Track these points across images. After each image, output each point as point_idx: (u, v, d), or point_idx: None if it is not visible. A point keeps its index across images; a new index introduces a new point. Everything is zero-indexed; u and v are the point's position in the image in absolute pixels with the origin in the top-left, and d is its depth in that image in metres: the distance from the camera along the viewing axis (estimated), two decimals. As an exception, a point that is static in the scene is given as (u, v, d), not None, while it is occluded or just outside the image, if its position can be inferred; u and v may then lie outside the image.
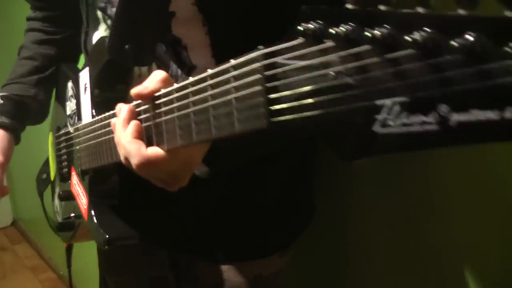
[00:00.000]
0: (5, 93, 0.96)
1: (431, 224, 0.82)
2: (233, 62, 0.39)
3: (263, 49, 0.36)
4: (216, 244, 0.87)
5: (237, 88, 0.38)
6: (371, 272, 0.98)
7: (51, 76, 1.01)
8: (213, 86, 0.42)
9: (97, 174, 0.85)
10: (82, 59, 1.00)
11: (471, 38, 0.25)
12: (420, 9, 0.29)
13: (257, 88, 0.36)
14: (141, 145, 0.54)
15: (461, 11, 0.27)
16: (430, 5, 0.29)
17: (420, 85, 0.27)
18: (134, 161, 0.54)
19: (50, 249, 2.64)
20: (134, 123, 0.56)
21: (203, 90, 0.43)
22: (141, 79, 0.74)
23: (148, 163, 0.54)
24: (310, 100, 0.33)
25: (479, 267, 0.76)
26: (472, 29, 0.25)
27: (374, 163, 0.86)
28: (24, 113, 0.97)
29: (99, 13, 0.83)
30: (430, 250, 0.83)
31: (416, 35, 0.27)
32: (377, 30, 0.29)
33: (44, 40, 1.02)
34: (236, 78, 0.38)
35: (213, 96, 0.41)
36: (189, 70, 0.73)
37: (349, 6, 0.32)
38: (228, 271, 0.86)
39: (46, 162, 1.17)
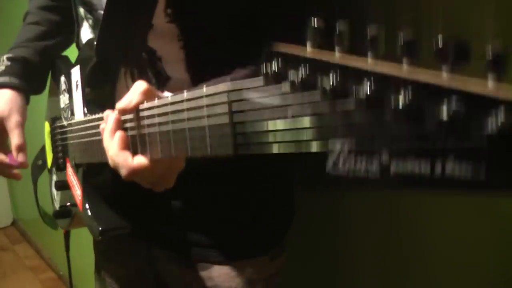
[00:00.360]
0: (12, 55, 0.98)
1: (425, 223, 0.83)
2: (205, 90, 0.41)
3: (229, 81, 0.38)
4: (196, 244, 0.87)
5: (209, 116, 0.41)
6: (366, 274, 1.00)
7: (56, 47, 1.03)
8: (188, 110, 0.44)
9: (90, 167, 0.88)
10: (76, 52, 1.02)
11: (409, 97, 0.27)
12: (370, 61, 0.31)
13: (225, 119, 0.38)
14: (127, 157, 0.57)
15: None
16: (378, 55, 0.31)
17: (365, 134, 0.30)
18: (123, 172, 0.58)
19: (50, 249, 2.65)
20: (118, 134, 0.59)
21: (180, 111, 0.46)
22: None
23: (134, 173, 0.57)
24: (272, 138, 0.35)
25: (474, 268, 0.77)
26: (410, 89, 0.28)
27: None
28: (31, 76, 0.99)
29: (81, 10, 0.85)
30: (425, 251, 0.84)
31: (363, 87, 0.30)
32: (329, 78, 0.31)
33: (49, 6, 1.04)
34: (208, 106, 0.41)
35: (189, 119, 0.44)
36: (165, 80, 0.75)
37: (308, 49, 0.34)
38: (213, 272, 0.87)
39: (43, 149, 1.20)
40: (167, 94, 0.64)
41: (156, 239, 0.93)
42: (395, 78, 0.28)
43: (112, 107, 0.74)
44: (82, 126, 0.80)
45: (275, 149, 0.35)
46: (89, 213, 0.86)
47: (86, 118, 0.79)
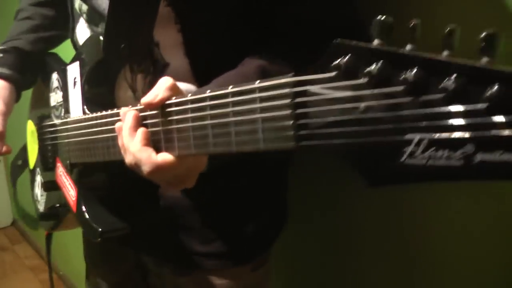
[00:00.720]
0: (3, 47, 0.95)
1: (424, 223, 0.84)
2: (260, 84, 0.41)
3: (293, 76, 0.38)
4: (180, 252, 0.87)
5: (263, 109, 0.40)
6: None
7: (49, 40, 1.00)
8: (235, 104, 0.44)
9: (86, 168, 0.85)
10: (66, 49, 0.99)
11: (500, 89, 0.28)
12: (445, 53, 0.32)
13: (286, 112, 0.38)
14: (151, 152, 0.56)
15: (485, 59, 0.31)
16: (453, 49, 0.33)
17: (448, 126, 0.31)
18: (146, 168, 0.56)
19: (50, 249, 2.59)
20: (141, 130, 0.58)
21: (224, 105, 0.45)
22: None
23: (158, 169, 0.55)
24: (338, 129, 0.36)
25: (471, 267, 0.79)
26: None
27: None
28: (24, 66, 0.96)
29: (77, 5, 0.82)
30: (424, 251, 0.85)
31: (447, 81, 0.30)
32: (409, 73, 0.32)
33: (42, 1, 1.01)
34: (263, 99, 0.41)
35: (236, 113, 0.44)
36: (162, 67, 0.73)
37: (376, 43, 0.35)
38: (195, 281, 0.87)
39: (23, 149, 1.16)
40: (184, 86, 0.63)
41: (145, 244, 0.92)
42: (482, 70, 0.29)
43: (112, 106, 0.72)
44: (83, 124, 0.78)
45: (341, 140, 0.35)
46: (87, 215, 0.83)
47: (87, 116, 0.76)
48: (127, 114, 0.60)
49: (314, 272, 1.09)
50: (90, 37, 0.78)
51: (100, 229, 0.80)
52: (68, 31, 0.96)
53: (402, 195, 0.85)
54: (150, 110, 0.57)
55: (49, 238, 1.12)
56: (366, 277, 0.98)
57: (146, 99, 0.56)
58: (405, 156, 0.33)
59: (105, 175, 0.87)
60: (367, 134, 0.34)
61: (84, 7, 0.80)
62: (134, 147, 0.57)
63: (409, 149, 0.33)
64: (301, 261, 1.12)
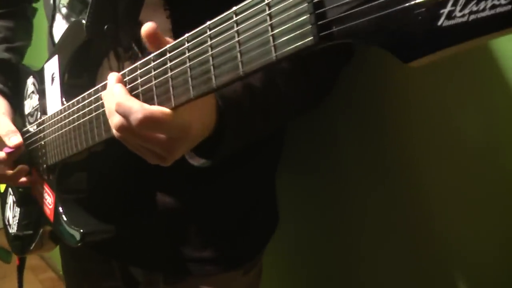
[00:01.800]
0: None
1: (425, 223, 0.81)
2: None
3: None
4: (170, 259, 0.82)
5: (274, 15, 0.37)
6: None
7: (19, 50, 0.97)
8: (239, 22, 0.41)
9: (65, 167, 0.79)
10: (36, 52, 0.95)
11: None
12: None
13: (302, 6, 0.35)
14: (142, 102, 0.51)
15: None
16: None
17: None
18: (137, 116, 0.50)
19: (49, 250, 2.48)
20: (121, 85, 0.54)
21: (227, 29, 0.42)
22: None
23: (152, 120, 0.50)
24: (360, 8, 0.33)
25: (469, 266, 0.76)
26: None
27: (360, 163, 0.87)
28: (5, 75, 0.92)
29: (51, 2, 0.80)
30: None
31: None
32: None
33: (1, 14, 0.98)
34: (271, 5, 0.37)
35: (243, 31, 0.40)
36: (149, 53, 0.71)
37: None
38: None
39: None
40: None
41: (133, 254, 0.84)
42: None
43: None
44: (62, 115, 0.73)
45: (365, 18, 0.32)
46: (65, 218, 0.77)
47: (66, 105, 0.71)
48: (110, 77, 0.56)
49: (305, 271, 1.05)
50: (69, 25, 0.74)
51: (81, 230, 0.73)
52: (29, 41, 0.97)
53: (396, 195, 0.83)
54: (128, 72, 0.54)
55: (21, 268, 1.02)
56: (355, 276, 0.94)
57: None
58: (442, 19, 0.30)
59: (86, 176, 0.80)
60: (395, 2, 0.31)
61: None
62: (121, 98, 0.52)
63: (446, 10, 0.30)
64: (291, 260, 1.08)
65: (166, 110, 0.50)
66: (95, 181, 0.81)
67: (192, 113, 0.53)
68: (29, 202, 0.89)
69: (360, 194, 0.88)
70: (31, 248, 0.93)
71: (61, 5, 0.78)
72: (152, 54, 0.52)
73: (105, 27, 0.67)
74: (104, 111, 0.58)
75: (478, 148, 0.69)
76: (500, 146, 0.67)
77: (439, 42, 0.30)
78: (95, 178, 0.81)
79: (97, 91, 0.61)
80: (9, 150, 0.81)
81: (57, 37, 0.80)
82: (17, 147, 0.81)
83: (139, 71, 0.54)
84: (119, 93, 0.53)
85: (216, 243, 0.82)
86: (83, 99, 0.65)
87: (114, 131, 0.56)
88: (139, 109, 0.50)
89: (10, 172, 0.84)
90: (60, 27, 0.79)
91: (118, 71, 0.68)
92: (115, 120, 0.54)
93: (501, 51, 0.63)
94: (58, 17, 0.80)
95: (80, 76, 0.75)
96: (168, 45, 0.49)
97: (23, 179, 0.85)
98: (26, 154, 0.86)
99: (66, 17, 0.78)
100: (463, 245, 0.75)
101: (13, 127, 0.83)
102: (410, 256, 0.82)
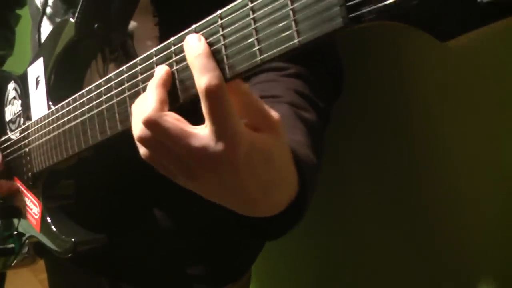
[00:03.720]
0: None
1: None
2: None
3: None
4: (160, 277, 0.79)
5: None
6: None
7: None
8: (255, 9, 0.38)
9: (51, 175, 0.75)
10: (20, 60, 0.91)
11: None
12: None
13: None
14: None
15: None
16: None
17: None
18: (208, 85, 0.39)
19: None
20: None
21: (242, 17, 0.40)
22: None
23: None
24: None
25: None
26: None
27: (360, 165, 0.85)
28: None
29: (38, 4, 0.77)
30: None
31: None
32: None
33: None
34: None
35: (260, 18, 0.38)
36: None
37: None
38: None
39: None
40: None
41: (124, 271, 0.81)
42: None
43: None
44: (50, 119, 0.68)
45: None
46: (54, 228, 0.73)
47: (55, 108, 0.67)
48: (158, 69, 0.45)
49: (299, 273, 1.05)
50: (55, 25, 0.71)
51: (73, 239, 0.69)
52: (11, 50, 0.96)
53: (395, 197, 0.82)
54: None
55: (1, 281, 0.96)
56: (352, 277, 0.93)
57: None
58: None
59: (73, 185, 0.76)
60: None
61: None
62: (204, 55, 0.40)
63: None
64: (282, 261, 1.07)
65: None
66: (82, 191, 0.77)
67: (259, 140, 0.41)
68: (10, 213, 0.85)
69: (358, 195, 0.87)
70: (13, 263, 0.88)
71: (47, 6, 0.75)
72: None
73: (95, 25, 0.64)
74: (100, 111, 0.55)
75: (480, 148, 0.69)
76: (502, 146, 0.67)
77: (479, 19, 0.29)
78: (82, 188, 0.77)
79: (90, 91, 0.58)
80: None
81: (43, 39, 0.77)
82: None
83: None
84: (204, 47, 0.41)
85: (206, 260, 0.79)
86: (74, 100, 0.62)
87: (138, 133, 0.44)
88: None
89: None
90: (45, 28, 0.75)
91: (104, 73, 0.65)
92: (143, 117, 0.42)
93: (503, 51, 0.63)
94: (44, 18, 0.76)
95: (67, 78, 0.71)
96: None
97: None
98: (7, 162, 0.82)
99: (50, 18, 0.75)
100: (465, 246, 0.74)
101: None
102: (411, 258, 0.81)
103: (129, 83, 0.51)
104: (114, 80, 0.53)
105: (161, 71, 0.44)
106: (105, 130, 0.55)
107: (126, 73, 0.51)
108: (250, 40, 0.39)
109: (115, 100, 0.53)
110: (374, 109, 0.81)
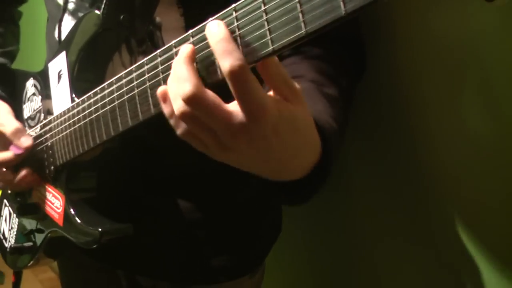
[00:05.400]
0: None
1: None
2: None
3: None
4: (181, 268, 0.94)
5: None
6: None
7: (11, 54, 1.10)
8: (265, 2, 0.52)
9: (74, 167, 0.90)
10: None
11: None
12: None
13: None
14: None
15: None
16: None
17: None
18: (236, 62, 0.50)
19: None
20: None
21: (256, 7, 0.54)
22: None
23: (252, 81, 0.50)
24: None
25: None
26: None
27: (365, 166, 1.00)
28: (3, 79, 1.04)
29: (60, 1, 0.92)
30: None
31: None
32: None
33: None
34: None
35: (270, 10, 0.52)
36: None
37: None
38: None
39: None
40: None
41: (140, 262, 0.96)
42: None
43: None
44: (75, 110, 0.83)
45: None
46: (78, 220, 0.88)
47: (81, 99, 0.82)
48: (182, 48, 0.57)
49: (308, 270, 1.20)
50: (79, 19, 0.86)
51: (99, 229, 0.84)
52: (18, 45, 1.09)
53: (400, 198, 0.96)
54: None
55: (17, 281, 1.12)
56: (357, 276, 1.08)
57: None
58: None
59: (95, 177, 0.92)
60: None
61: None
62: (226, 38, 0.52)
63: None
64: (295, 258, 1.23)
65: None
66: (104, 183, 0.92)
67: (286, 110, 0.53)
68: (29, 210, 1.00)
69: (363, 194, 1.02)
70: (30, 262, 1.03)
71: (68, 2, 0.91)
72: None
73: (121, 17, 0.79)
74: (131, 96, 0.69)
75: (484, 148, 0.80)
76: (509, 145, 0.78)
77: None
78: (104, 180, 0.92)
79: (120, 79, 0.73)
80: (18, 151, 0.90)
81: (64, 35, 0.93)
82: (27, 149, 0.91)
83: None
84: (225, 32, 0.53)
85: (226, 252, 0.94)
86: (102, 90, 0.76)
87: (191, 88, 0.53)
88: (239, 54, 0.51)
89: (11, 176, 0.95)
90: (67, 24, 0.91)
91: (130, 65, 0.80)
92: (181, 90, 0.53)
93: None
94: (66, 15, 0.92)
95: (90, 71, 0.87)
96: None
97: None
98: (29, 158, 0.98)
99: (73, 13, 0.91)
100: (468, 247, 0.86)
101: (21, 126, 0.93)
102: (415, 259, 0.95)
103: (163, 66, 0.64)
104: (146, 65, 0.66)
105: (187, 49, 0.56)
106: (137, 115, 0.69)
107: (160, 56, 0.64)
108: (262, 31, 0.53)
109: (148, 84, 0.66)
110: (373, 110, 0.95)
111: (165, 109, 0.58)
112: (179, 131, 0.57)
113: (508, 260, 0.81)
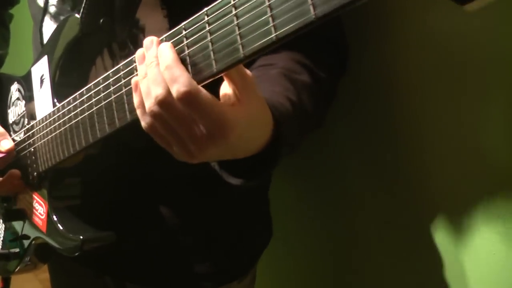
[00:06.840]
0: None
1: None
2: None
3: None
4: (167, 275, 0.93)
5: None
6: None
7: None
8: (236, 6, 0.51)
9: (57, 174, 0.90)
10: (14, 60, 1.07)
11: None
12: None
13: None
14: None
15: None
16: None
17: None
18: (183, 88, 0.53)
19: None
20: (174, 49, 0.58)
21: (227, 12, 0.53)
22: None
23: (197, 96, 0.54)
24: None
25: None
26: None
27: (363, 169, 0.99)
28: None
29: (40, 3, 0.92)
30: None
31: None
32: None
33: None
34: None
35: (238, 16, 0.51)
36: None
37: None
38: None
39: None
40: None
41: (128, 270, 0.95)
42: None
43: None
44: (56, 116, 0.82)
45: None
46: (60, 227, 0.87)
47: (61, 104, 0.81)
48: (147, 41, 0.61)
49: (299, 274, 1.19)
50: (60, 23, 0.85)
51: (81, 237, 0.83)
52: (7, 48, 1.09)
53: (394, 200, 0.95)
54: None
55: (5, 287, 1.12)
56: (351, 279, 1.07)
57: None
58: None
59: (79, 184, 0.91)
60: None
61: None
62: (167, 62, 0.56)
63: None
64: (285, 262, 1.22)
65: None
66: (88, 190, 0.91)
67: (241, 114, 0.57)
68: (15, 216, 1.00)
69: (356, 197, 1.02)
70: (17, 268, 1.03)
71: (49, 5, 0.90)
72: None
73: (101, 20, 0.79)
74: (108, 102, 0.68)
75: (481, 149, 0.80)
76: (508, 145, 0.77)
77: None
78: (88, 187, 0.91)
79: (97, 84, 0.72)
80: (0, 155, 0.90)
81: (46, 38, 0.92)
82: (8, 152, 0.91)
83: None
84: (170, 55, 0.57)
85: (212, 258, 0.93)
86: (81, 95, 0.76)
87: (151, 106, 0.57)
88: (188, 79, 0.54)
89: None
90: (48, 27, 0.91)
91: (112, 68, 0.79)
92: (157, 91, 0.56)
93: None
94: (47, 18, 0.92)
95: (72, 75, 0.86)
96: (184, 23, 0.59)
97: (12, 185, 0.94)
98: (13, 163, 0.97)
99: (55, 17, 0.90)
100: (468, 247, 0.85)
101: (2, 130, 0.92)
102: (414, 259, 0.94)
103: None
104: (123, 70, 0.66)
105: (169, 49, 0.58)
106: (113, 122, 0.69)
107: (135, 62, 0.63)
108: (233, 35, 0.52)
109: (124, 90, 0.66)
110: (369, 111, 0.95)
111: (135, 98, 0.60)
112: (143, 124, 0.60)
113: (508, 260, 0.80)
